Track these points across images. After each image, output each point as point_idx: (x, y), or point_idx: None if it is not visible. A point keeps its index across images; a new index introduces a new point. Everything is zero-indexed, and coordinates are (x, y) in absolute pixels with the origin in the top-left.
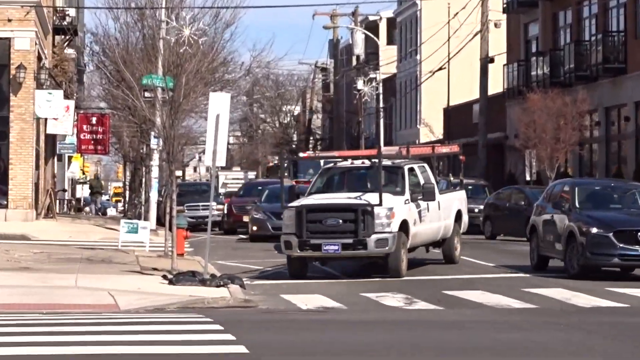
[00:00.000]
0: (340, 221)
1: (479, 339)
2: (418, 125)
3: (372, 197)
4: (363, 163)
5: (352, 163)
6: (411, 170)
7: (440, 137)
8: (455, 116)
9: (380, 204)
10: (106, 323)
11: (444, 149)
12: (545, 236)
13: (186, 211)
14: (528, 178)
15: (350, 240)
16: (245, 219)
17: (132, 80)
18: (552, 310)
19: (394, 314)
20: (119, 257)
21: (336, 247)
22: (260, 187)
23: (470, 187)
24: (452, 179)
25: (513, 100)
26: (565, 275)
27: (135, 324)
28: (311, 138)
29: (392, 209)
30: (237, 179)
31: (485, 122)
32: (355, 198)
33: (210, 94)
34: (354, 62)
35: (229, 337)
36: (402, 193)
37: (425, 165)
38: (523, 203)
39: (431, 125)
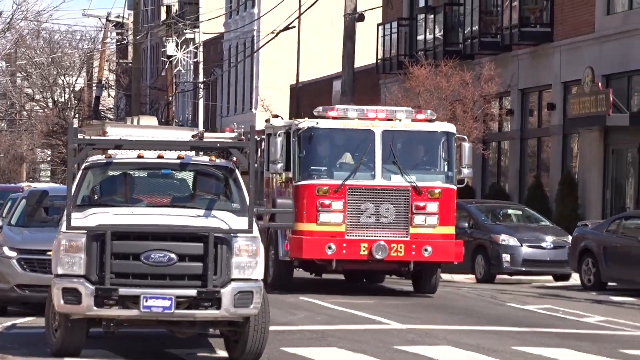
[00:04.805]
0: (174, 257)
1: None
2: (254, 109)
3: (222, 217)
4: (160, 157)
5: (140, 156)
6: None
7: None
8: (307, 97)
9: (250, 230)
10: None
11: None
12: None
13: None
14: None
15: (192, 292)
16: None
17: None
18: None
19: None
20: None
21: (167, 303)
22: None
23: None
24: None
25: (390, 77)
26: None
27: None
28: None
29: (256, 240)
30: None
31: None
32: (193, 217)
33: None
34: (163, 16)
35: None
36: (242, 212)
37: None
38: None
39: (272, 109)
